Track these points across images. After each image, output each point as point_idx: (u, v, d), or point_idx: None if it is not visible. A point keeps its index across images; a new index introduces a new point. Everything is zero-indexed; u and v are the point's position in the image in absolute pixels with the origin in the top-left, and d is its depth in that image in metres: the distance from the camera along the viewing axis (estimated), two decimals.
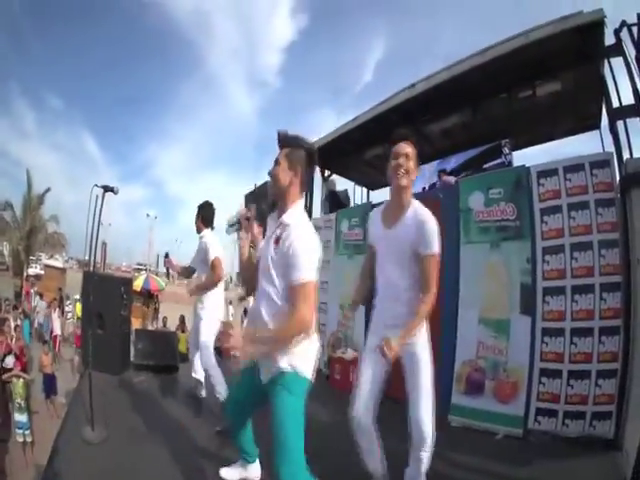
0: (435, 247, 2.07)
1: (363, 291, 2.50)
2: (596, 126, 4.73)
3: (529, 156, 5.65)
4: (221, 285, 3.83)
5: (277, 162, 1.93)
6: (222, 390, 3.42)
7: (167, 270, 4.35)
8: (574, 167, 3.44)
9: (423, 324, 2.19)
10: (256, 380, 1.96)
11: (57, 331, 12.07)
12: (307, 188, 2.11)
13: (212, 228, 3.88)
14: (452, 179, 5.25)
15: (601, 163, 3.36)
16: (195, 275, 4.00)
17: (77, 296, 14.23)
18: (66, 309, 13.85)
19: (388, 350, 1.92)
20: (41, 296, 15.44)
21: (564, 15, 3.64)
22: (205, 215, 3.88)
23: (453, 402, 3.78)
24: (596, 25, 3.49)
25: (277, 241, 1.85)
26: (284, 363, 1.83)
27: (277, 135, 1.96)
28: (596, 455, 2.97)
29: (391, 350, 1.93)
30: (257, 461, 2.45)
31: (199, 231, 3.87)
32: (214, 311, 3.71)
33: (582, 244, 3.34)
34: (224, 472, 2.44)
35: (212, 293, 3.73)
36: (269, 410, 1.85)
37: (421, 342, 2.23)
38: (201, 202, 4.00)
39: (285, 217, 1.89)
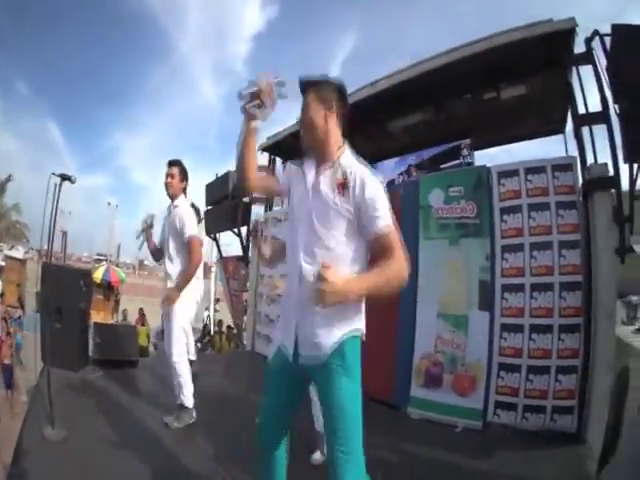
0: None
1: None
2: (560, 131, 4.87)
3: (493, 156, 5.75)
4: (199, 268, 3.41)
5: (306, 105, 1.66)
6: (188, 393, 3.17)
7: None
8: (535, 169, 3.53)
9: None
10: (290, 367, 1.64)
11: None
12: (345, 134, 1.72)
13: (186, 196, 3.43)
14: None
15: (564, 167, 3.47)
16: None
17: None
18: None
19: None
20: None
21: (533, 22, 3.68)
22: (186, 178, 3.38)
23: (412, 395, 3.84)
24: (566, 33, 3.54)
25: (343, 186, 1.56)
26: (341, 334, 1.54)
27: (299, 82, 1.70)
28: (557, 448, 3.03)
29: None
30: None
31: (175, 197, 3.31)
32: (189, 298, 3.29)
33: (542, 244, 3.43)
34: None
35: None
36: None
37: None
38: (176, 159, 3.38)
39: (343, 160, 1.62)
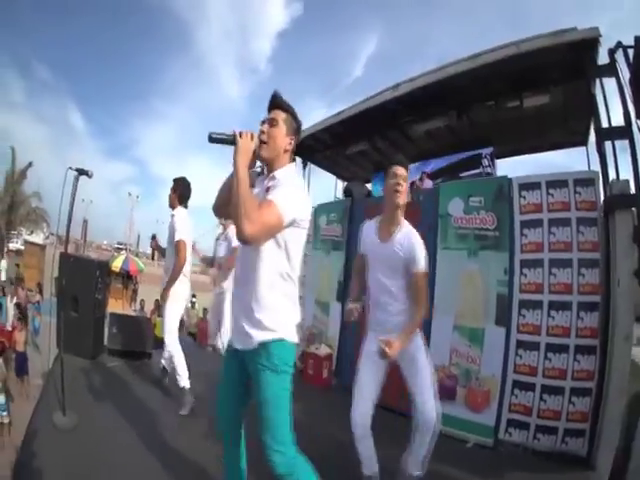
0: (424, 265, 2.32)
1: (358, 290, 2.64)
2: (583, 143, 4.77)
3: (513, 165, 5.67)
4: (187, 268, 3.79)
5: (275, 122, 1.80)
6: (183, 374, 3.54)
7: (152, 252, 4.48)
8: (557, 183, 3.44)
9: (417, 331, 2.40)
10: (237, 359, 1.86)
11: (11, 324, 8.96)
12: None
13: (186, 206, 3.87)
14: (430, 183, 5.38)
15: (586, 181, 3.36)
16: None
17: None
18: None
19: (390, 350, 2.11)
20: None
21: (558, 29, 3.59)
22: (182, 191, 3.86)
23: None
24: (590, 43, 3.45)
25: (267, 191, 1.75)
26: (268, 336, 1.73)
27: (274, 95, 1.83)
28: (567, 472, 2.98)
29: (392, 350, 2.12)
30: None
31: (173, 207, 3.85)
32: (179, 294, 3.73)
33: (561, 261, 3.34)
34: None
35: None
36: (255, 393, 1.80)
37: (415, 345, 2.41)
38: (178, 177, 3.94)
39: (276, 173, 1.80)
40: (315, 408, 4.12)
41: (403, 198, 2.35)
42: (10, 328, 8.68)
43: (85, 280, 4.45)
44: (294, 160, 1.93)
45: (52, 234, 26.02)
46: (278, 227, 1.64)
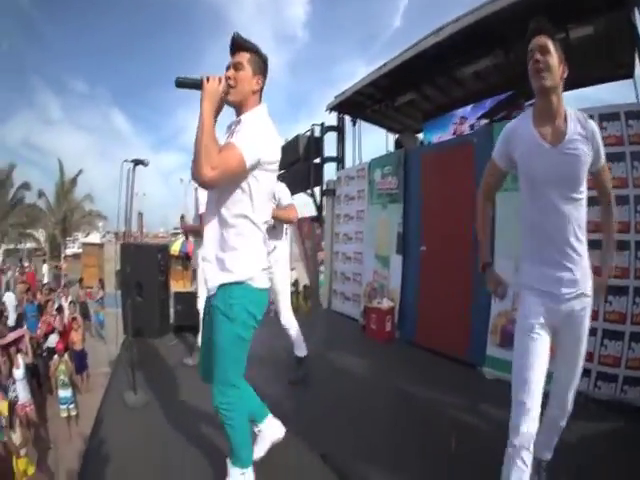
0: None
1: (489, 234, 2.17)
2: (629, 75, 4.48)
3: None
4: None
5: (240, 65, 1.76)
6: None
7: (185, 234, 4.72)
8: (609, 115, 3.26)
9: (589, 298, 1.76)
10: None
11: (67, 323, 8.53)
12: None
13: None
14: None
15: (636, 113, 3.19)
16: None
17: None
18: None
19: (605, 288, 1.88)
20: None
21: None
22: None
23: (488, 354, 3.78)
24: None
25: (232, 135, 1.73)
26: (223, 279, 1.77)
27: (234, 38, 1.78)
28: (624, 421, 2.89)
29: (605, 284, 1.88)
30: (269, 416, 2.24)
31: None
32: None
33: (619, 198, 3.07)
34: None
35: None
36: None
37: (586, 321, 1.77)
38: None
39: (243, 116, 1.78)
40: (380, 362, 4.22)
41: (552, 77, 1.60)
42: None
43: (148, 265, 4.71)
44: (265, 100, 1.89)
45: (108, 232, 27.23)
46: (239, 170, 1.63)
